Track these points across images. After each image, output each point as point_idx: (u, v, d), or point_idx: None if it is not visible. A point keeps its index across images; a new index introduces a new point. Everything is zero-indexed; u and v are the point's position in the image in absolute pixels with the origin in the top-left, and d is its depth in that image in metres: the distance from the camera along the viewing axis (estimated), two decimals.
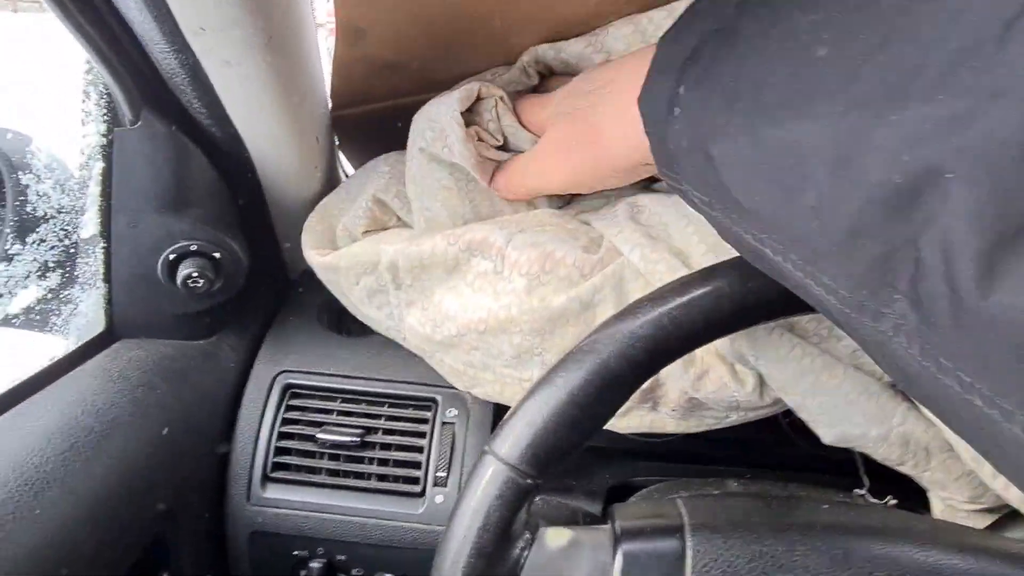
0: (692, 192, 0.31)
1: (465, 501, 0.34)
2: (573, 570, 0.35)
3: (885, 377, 0.47)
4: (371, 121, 0.66)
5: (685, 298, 0.33)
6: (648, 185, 0.53)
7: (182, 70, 0.41)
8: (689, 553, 0.34)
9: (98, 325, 0.55)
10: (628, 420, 0.53)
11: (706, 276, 0.34)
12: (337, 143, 0.70)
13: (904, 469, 0.48)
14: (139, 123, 0.45)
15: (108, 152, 0.47)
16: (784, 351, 0.45)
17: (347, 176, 0.71)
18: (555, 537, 0.36)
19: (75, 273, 0.53)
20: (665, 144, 0.31)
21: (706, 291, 0.33)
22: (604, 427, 0.62)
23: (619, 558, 0.34)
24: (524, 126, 0.51)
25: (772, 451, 0.62)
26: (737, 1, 0.29)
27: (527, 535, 0.35)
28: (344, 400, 0.57)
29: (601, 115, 0.41)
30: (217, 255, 0.52)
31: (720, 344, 0.47)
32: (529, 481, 0.33)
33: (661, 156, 0.33)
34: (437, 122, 0.49)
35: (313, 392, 0.57)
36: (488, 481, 0.33)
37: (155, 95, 0.45)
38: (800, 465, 0.62)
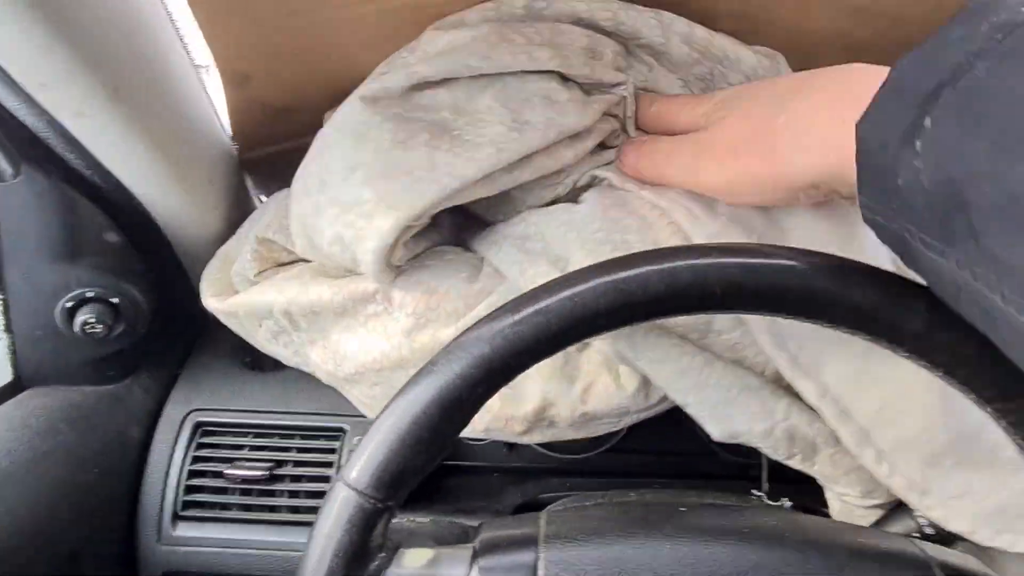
0: (917, 234, 0.27)
1: (317, 528, 0.34)
2: None
3: (766, 372, 0.48)
4: (281, 162, 0.67)
5: (517, 316, 0.34)
6: None
7: (42, 124, 0.42)
8: (541, 563, 0.35)
9: (5, 376, 0.56)
10: (531, 436, 0.54)
11: (536, 294, 0.35)
12: (252, 185, 0.71)
13: (793, 463, 0.49)
14: (20, 176, 0.46)
15: None
16: (662, 351, 0.46)
17: None
18: (415, 557, 0.36)
19: None
20: (889, 178, 0.27)
21: (537, 308, 0.34)
22: (515, 443, 0.63)
23: (475, 573, 0.35)
24: (643, 125, 0.49)
25: (691, 461, 0.63)
26: (1014, 23, 0.24)
27: (383, 555, 0.36)
28: (256, 435, 0.58)
29: (784, 124, 0.37)
30: (115, 300, 0.53)
31: (604, 349, 0.48)
32: (378, 504, 0.34)
33: (874, 190, 0.29)
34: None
35: (224, 429, 0.58)
36: (338, 508, 0.34)
37: (32, 149, 0.46)
38: (719, 474, 0.63)
